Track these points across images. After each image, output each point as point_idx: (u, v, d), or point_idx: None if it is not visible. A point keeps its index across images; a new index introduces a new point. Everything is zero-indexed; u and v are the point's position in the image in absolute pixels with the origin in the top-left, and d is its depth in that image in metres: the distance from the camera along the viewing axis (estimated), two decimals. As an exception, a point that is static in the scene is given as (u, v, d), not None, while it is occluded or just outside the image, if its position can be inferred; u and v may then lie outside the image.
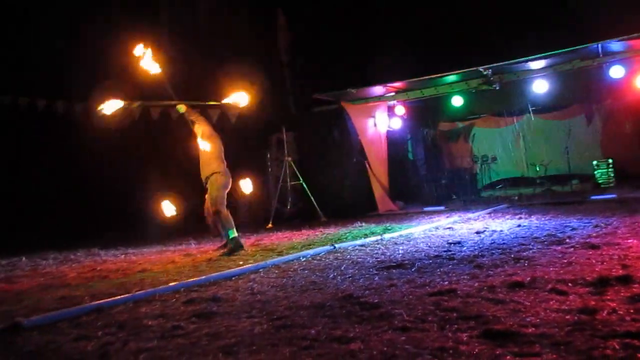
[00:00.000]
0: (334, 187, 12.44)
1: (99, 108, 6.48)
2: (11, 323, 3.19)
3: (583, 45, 10.07)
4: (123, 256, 7.15)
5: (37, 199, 10.73)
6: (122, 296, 3.95)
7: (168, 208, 6.90)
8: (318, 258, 5.45)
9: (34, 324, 3.23)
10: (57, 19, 10.79)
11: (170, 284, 4.32)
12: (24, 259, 7.31)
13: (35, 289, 4.87)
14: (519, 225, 7.07)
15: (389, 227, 8.20)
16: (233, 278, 4.58)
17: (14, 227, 10.09)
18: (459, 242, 5.81)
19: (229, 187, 6.86)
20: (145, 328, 3.06)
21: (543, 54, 10.43)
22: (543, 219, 7.69)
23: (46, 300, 4.23)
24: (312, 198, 11.49)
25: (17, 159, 10.88)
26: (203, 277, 4.60)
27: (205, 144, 6.73)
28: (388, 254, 5.39)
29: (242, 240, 6.82)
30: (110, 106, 6.47)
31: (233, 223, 6.64)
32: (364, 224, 9.15)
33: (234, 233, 6.54)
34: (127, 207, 11.39)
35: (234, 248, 6.42)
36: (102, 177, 11.27)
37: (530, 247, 5.07)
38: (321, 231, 8.60)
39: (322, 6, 14.28)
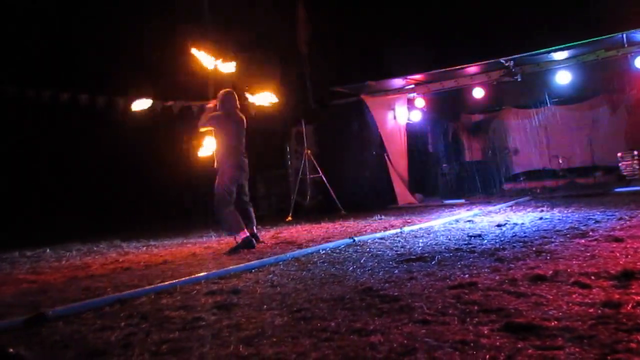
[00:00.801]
0: (353, 180, 12.43)
1: (132, 106, 6.64)
2: (36, 313, 3.24)
3: (607, 35, 9.90)
4: (145, 248, 7.24)
5: (62, 192, 10.91)
6: (144, 288, 4.00)
7: None
8: (337, 251, 5.45)
9: (58, 315, 3.28)
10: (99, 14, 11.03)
11: (192, 276, 4.36)
12: (48, 250, 7.44)
13: (59, 280, 4.95)
14: (541, 218, 6.99)
15: (409, 220, 8.17)
16: (253, 270, 4.61)
17: (38, 219, 10.28)
18: (479, 235, 5.77)
19: (239, 180, 6.60)
20: (167, 319, 3.10)
21: (566, 45, 10.26)
22: (566, 211, 7.59)
23: (70, 291, 4.30)
24: (331, 191, 11.49)
25: (43, 152, 11.07)
26: (223, 269, 4.64)
27: (218, 135, 6.63)
28: (408, 247, 5.37)
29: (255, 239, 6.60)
30: (141, 104, 6.61)
31: (236, 225, 6.34)
32: (383, 217, 9.14)
33: (245, 233, 6.30)
34: (151, 200, 11.56)
35: (240, 247, 6.16)
36: (126, 170, 11.43)
37: (553, 240, 5.01)
38: (340, 224, 8.60)
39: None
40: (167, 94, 9.85)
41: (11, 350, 2.56)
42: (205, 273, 4.48)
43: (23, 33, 10.95)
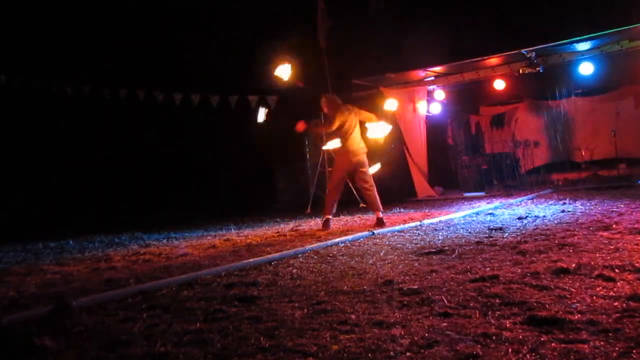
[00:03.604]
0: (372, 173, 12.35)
1: (277, 70, 7.18)
2: (61, 304, 3.29)
3: (632, 25, 9.69)
4: (165, 240, 7.29)
5: (84, 184, 11.06)
6: (165, 279, 4.04)
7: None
8: (357, 244, 5.45)
9: (82, 305, 3.32)
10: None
11: (212, 268, 4.39)
12: (71, 242, 7.54)
13: (82, 271, 5.02)
14: (563, 211, 6.91)
15: (428, 213, 8.12)
16: (272, 263, 4.62)
17: (62, 210, 10.44)
18: (500, 228, 5.71)
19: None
20: (189, 311, 3.12)
21: (590, 35, 10.08)
22: (588, 204, 7.49)
23: (93, 282, 4.35)
24: (350, 184, 11.45)
25: (68, 144, 11.22)
26: (243, 261, 4.66)
27: None
28: (428, 239, 5.34)
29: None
30: (285, 71, 7.23)
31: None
32: (402, 209, 9.10)
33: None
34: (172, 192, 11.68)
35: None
36: (148, 163, 11.56)
37: (576, 232, 4.94)
38: (359, 217, 8.58)
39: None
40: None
41: (36, 340, 2.60)
42: (225, 265, 4.51)
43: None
